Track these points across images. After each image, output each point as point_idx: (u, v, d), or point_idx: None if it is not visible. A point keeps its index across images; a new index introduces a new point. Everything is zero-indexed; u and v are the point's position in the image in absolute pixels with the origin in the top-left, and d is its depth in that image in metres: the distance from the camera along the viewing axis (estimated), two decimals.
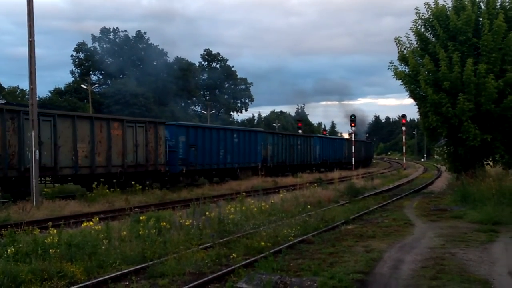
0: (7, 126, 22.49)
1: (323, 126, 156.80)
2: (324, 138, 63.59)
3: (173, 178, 32.93)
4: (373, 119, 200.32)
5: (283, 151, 48.72)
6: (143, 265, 11.27)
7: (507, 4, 27.44)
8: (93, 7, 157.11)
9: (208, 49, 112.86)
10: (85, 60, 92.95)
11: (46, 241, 11.60)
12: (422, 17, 28.01)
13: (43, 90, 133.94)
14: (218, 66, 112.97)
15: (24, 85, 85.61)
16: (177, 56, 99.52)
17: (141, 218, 14.81)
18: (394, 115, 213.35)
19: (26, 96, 56.76)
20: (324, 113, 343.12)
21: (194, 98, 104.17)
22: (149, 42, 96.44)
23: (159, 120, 34.80)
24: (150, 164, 30.40)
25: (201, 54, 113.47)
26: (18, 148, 22.89)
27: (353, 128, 66.72)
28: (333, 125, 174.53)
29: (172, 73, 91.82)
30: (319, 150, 57.81)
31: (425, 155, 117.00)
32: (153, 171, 30.82)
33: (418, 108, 29.14)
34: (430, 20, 27.70)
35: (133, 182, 27.50)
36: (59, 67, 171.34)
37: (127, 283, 10.19)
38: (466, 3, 27.10)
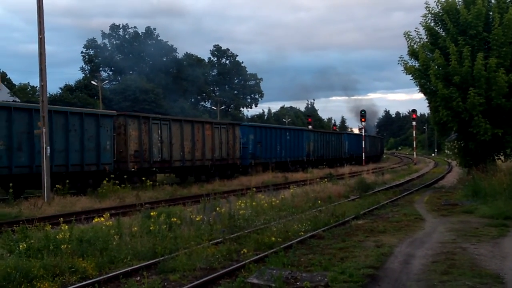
0: (142, 129, 28.90)
1: (333, 121, 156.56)
2: (351, 135, 69.63)
3: (244, 169, 39.94)
4: (383, 114, 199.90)
5: (322, 147, 55.68)
6: (154, 260, 11.30)
7: None
8: (103, 4, 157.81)
9: (218, 45, 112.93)
10: (95, 56, 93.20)
11: (57, 237, 11.65)
12: (432, 11, 27.90)
13: (53, 87, 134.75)
14: (227, 61, 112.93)
15: (35, 82, 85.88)
16: (187, 52, 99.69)
17: (152, 213, 14.83)
18: (404, 110, 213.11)
19: (37, 93, 57.03)
20: (334, 108, 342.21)
21: (204, 94, 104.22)
22: (159, 38, 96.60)
23: (236, 122, 43.18)
24: (230, 158, 37.75)
25: (210, 50, 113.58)
26: (148, 146, 29.39)
27: (363, 123, 66.58)
28: (343, 120, 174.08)
29: (183, 69, 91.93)
30: (348, 146, 64.16)
31: (435, 150, 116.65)
32: (232, 164, 38.25)
33: (429, 102, 29.03)
34: (440, 14, 27.58)
35: (144, 178, 27.66)
36: (69, 64, 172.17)
37: (138, 278, 10.23)
38: None
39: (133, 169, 28.25)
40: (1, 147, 21.93)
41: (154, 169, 29.95)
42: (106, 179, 25.79)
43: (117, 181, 25.89)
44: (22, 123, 22.76)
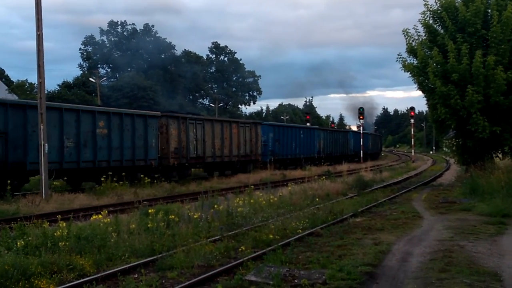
0: (180, 128, 32.12)
1: (331, 119, 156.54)
2: (356, 133, 71.51)
3: (264, 165, 42.83)
4: (382, 111, 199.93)
5: (330, 144, 59.74)
6: (152, 258, 11.31)
7: None
8: (100, 1, 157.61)
9: (216, 42, 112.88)
10: (93, 53, 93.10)
11: (55, 234, 11.64)
12: (431, 9, 27.89)
13: (51, 84, 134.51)
14: (226, 59, 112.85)
15: (33, 78, 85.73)
16: (185, 49, 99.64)
17: (149, 211, 14.82)
18: (402, 108, 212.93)
19: (35, 90, 56.90)
20: (332, 106, 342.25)
21: (202, 91, 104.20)
22: (157, 35, 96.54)
23: (258, 121, 46.62)
24: (253, 154, 41.33)
25: (208, 47, 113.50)
26: (186, 143, 32.53)
27: (361, 120, 66.53)
28: (341, 118, 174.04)
29: (180, 66, 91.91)
30: (353, 143, 67.30)
31: (434, 148, 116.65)
32: (254, 159, 41.66)
33: (427, 100, 29.04)
34: (439, 11, 27.57)
35: (142, 175, 27.69)
36: (67, 60, 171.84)
37: (136, 275, 10.22)
38: None
39: (173, 164, 31.54)
40: (71, 144, 24.83)
41: (189, 164, 33.90)
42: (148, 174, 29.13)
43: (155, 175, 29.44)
44: (87, 123, 25.80)
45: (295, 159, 49.05)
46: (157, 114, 31.43)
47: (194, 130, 33.61)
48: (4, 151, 22.20)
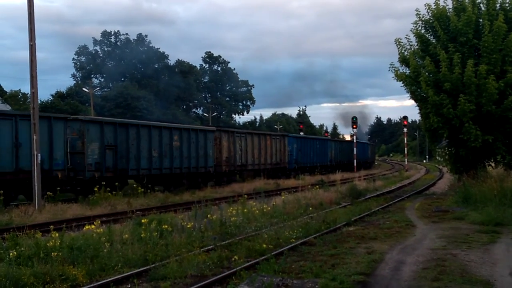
0: (230, 140, 38.12)
1: (324, 128, 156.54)
2: (359, 143, 74.62)
3: (289, 172, 48.60)
4: (375, 120, 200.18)
5: (339, 153, 65.87)
6: (145, 268, 11.30)
7: (507, 5, 27.45)
8: (93, 11, 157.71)
9: (209, 52, 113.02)
10: (87, 63, 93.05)
11: (48, 244, 11.61)
12: (423, 19, 28.02)
13: (44, 94, 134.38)
14: (219, 68, 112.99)
15: (26, 88, 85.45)
16: (178, 59, 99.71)
17: (143, 221, 14.82)
18: (395, 117, 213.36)
19: (28, 100, 56.82)
20: (325, 115, 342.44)
21: (196, 101, 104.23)
22: (150, 45, 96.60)
23: (285, 133, 54.09)
24: (281, 163, 47.33)
25: (202, 57, 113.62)
26: (233, 153, 38.64)
27: (354, 130, 66.59)
28: (334, 127, 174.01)
29: (173, 75, 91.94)
30: (357, 152, 68.49)
31: (427, 157, 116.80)
32: (282, 167, 47.55)
33: (419, 109, 29.13)
34: (431, 21, 27.71)
35: (135, 185, 27.75)
36: (60, 70, 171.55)
37: (129, 286, 10.22)
38: (467, 4, 27.09)
39: (225, 171, 37.43)
40: (156, 155, 30.32)
41: (236, 170, 39.68)
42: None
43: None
44: (166, 137, 31.36)
45: (312, 167, 54.74)
46: (213, 128, 37.92)
47: (240, 142, 39.70)
48: (115, 160, 27.68)
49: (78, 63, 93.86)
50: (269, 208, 19.61)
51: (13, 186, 23.03)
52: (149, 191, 28.18)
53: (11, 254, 10.96)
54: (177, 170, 32.22)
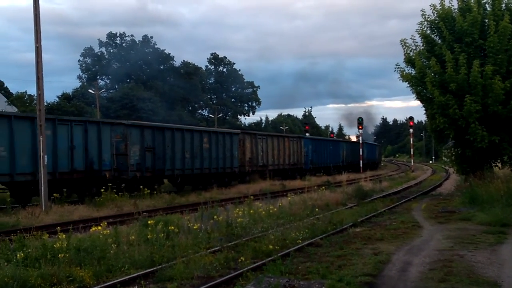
0: (252, 142, 40.80)
1: (330, 129, 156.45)
2: (367, 144, 78.54)
3: (305, 172, 50.55)
4: (381, 121, 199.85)
5: (350, 154, 67.55)
6: (151, 269, 11.30)
7: None
8: (99, 13, 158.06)
9: (215, 53, 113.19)
10: (92, 65, 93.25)
11: (55, 245, 11.63)
12: (428, 19, 27.97)
13: (50, 95, 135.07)
14: (224, 69, 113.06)
15: (32, 90, 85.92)
16: (184, 60, 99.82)
17: (149, 222, 14.81)
18: (401, 117, 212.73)
19: (34, 102, 56.96)
20: (330, 116, 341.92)
21: (201, 102, 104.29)
22: (156, 46, 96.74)
23: (300, 135, 57.57)
24: (298, 163, 49.90)
25: (207, 58, 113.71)
26: (256, 154, 41.41)
27: (360, 130, 66.55)
28: (340, 128, 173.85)
29: (179, 77, 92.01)
30: (366, 153, 71.94)
31: (433, 157, 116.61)
32: (299, 168, 50.11)
33: (425, 110, 29.12)
34: (436, 21, 27.66)
35: (141, 187, 27.75)
36: (66, 72, 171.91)
37: (136, 287, 10.23)
38: (472, 4, 27.03)
39: (248, 171, 40.12)
40: (188, 156, 32.59)
41: (258, 171, 41.74)
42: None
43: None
44: (197, 140, 33.73)
45: (326, 167, 57.64)
46: (238, 132, 40.41)
47: (261, 143, 42.31)
48: (153, 161, 29.89)
49: (83, 65, 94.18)
50: (275, 209, 19.58)
51: (69, 185, 25.07)
52: (155, 192, 28.21)
53: (18, 255, 10.98)
54: (206, 170, 34.56)
